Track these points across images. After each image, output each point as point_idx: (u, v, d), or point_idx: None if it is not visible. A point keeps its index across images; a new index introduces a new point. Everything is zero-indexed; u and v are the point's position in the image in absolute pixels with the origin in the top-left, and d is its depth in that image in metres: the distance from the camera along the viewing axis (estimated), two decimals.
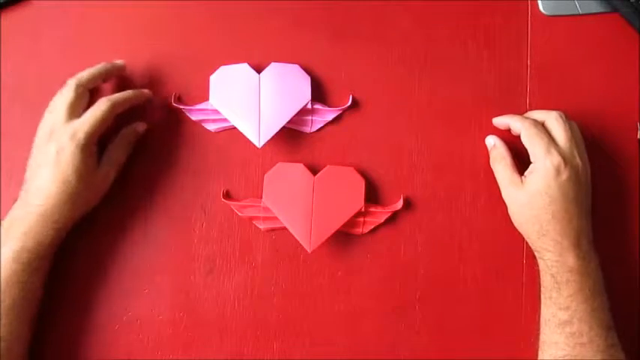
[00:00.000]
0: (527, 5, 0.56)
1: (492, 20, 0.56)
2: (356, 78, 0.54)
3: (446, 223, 0.53)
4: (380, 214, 0.52)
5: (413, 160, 0.53)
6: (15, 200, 0.47)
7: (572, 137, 0.48)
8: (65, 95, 0.47)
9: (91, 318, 0.50)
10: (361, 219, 0.51)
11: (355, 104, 0.54)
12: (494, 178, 0.50)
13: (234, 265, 0.52)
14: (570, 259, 0.45)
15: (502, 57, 0.55)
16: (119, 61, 0.51)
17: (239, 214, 0.52)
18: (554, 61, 0.55)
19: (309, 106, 0.52)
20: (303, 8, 0.55)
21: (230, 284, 0.51)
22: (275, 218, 0.51)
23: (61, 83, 0.53)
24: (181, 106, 0.53)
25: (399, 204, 0.52)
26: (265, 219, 0.51)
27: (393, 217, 0.52)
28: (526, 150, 0.48)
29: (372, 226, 0.52)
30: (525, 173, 0.48)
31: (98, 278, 0.51)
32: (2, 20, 0.55)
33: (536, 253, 0.49)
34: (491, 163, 0.51)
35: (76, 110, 0.47)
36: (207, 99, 0.52)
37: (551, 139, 0.47)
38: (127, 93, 0.50)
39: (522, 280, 0.52)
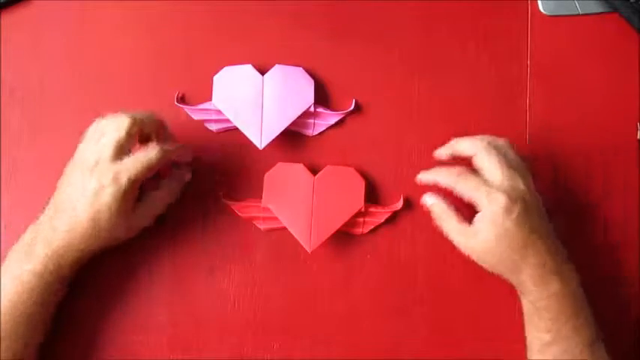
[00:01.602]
0: (527, 5, 0.56)
1: (492, 20, 0.56)
2: (357, 80, 0.54)
3: None
4: (380, 214, 0.51)
5: (413, 160, 0.53)
6: (15, 200, 0.47)
7: (508, 165, 0.45)
8: (117, 132, 0.44)
9: (91, 318, 0.50)
10: (361, 219, 0.51)
11: (357, 107, 0.54)
12: None
13: (234, 265, 0.52)
14: (551, 286, 0.44)
15: (502, 57, 0.55)
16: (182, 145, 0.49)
17: (239, 214, 0.52)
18: (554, 61, 0.55)
19: (312, 109, 0.52)
20: (307, 10, 0.55)
21: (230, 284, 0.51)
22: (275, 218, 0.50)
23: (61, 83, 0.54)
24: (184, 106, 0.53)
25: (399, 204, 0.52)
26: (265, 219, 0.51)
27: (393, 217, 0.52)
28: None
29: (372, 226, 0.52)
30: (474, 220, 0.45)
31: (97, 278, 0.51)
32: (2, 20, 0.54)
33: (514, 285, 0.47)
34: (436, 222, 0.48)
35: (124, 150, 0.44)
36: (210, 99, 0.52)
37: (486, 182, 0.44)
38: (180, 147, 0.48)
39: None
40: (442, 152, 0.50)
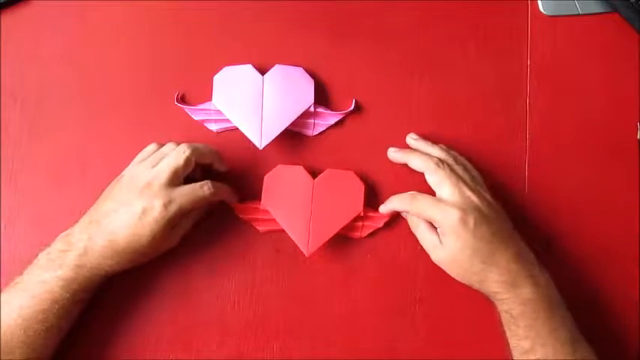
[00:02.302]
0: (527, 5, 0.56)
1: (492, 20, 0.56)
2: (357, 80, 0.54)
3: None
4: (379, 219, 0.51)
5: None
6: (15, 200, 0.47)
7: (457, 180, 0.46)
8: (176, 159, 0.45)
9: (91, 319, 0.50)
10: (360, 223, 0.51)
11: (357, 107, 0.54)
12: (494, 179, 0.50)
13: (234, 265, 0.52)
14: (523, 291, 0.44)
15: (502, 57, 0.55)
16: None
17: (239, 215, 0.52)
18: (554, 61, 0.55)
19: (312, 109, 0.52)
20: (307, 10, 0.55)
21: (230, 285, 0.51)
22: (274, 220, 0.50)
23: (61, 84, 0.54)
24: (184, 106, 0.53)
25: None
26: (264, 221, 0.51)
27: (393, 221, 0.52)
28: None
29: (371, 230, 0.51)
30: (438, 231, 0.46)
31: None
32: (2, 20, 0.55)
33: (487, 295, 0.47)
34: (412, 230, 0.49)
35: (179, 178, 0.45)
36: (210, 99, 0.52)
37: (439, 199, 0.46)
38: (229, 190, 0.50)
39: None
40: (396, 157, 0.51)
